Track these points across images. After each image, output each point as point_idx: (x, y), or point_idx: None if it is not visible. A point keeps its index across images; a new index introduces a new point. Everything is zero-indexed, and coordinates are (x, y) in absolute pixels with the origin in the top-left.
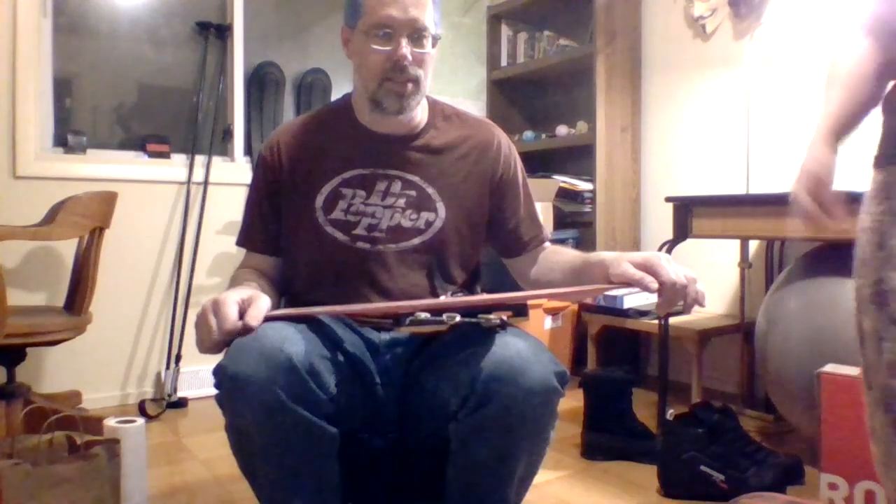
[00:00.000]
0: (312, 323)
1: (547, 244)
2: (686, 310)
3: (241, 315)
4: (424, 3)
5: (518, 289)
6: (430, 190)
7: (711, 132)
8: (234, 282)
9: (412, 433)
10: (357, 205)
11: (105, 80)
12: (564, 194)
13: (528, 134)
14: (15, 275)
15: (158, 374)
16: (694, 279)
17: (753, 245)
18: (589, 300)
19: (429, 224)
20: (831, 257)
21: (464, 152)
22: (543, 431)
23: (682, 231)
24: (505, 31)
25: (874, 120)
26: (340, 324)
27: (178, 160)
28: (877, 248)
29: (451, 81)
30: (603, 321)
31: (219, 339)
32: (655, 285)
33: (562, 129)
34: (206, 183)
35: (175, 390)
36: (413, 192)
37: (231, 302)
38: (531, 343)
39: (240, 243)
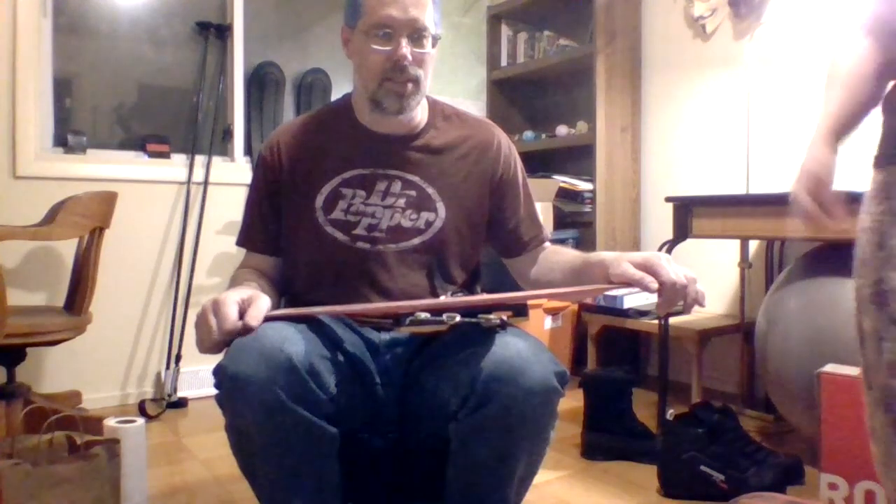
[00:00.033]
0: (312, 323)
1: (547, 244)
2: (686, 310)
3: (241, 315)
4: (424, 3)
5: (518, 289)
6: (430, 190)
7: (711, 132)
8: (234, 282)
9: (412, 433)
10: (357, 205)
11: (105, 80)
12: (564, 194)
13: (528, 134)
14: (15, 275)
15: (158, 374)
16: (694, 279)
17: (753, 245)
18: (589, 300)
19: (429, 224)
20: (831, 257)
21: (464, 152)
22: (543, 431)
23: (682, 231)
24: (505, 31)
25: (874, 120)
26: (340, 324)
27: (178, 160)
28: (877, 248)
29: (451, 81)
30: (603, 321)
31: (219, 339)
32: (655, 285)
33: (562, 129)
34: (206, 183)
35: (175, 390)
36: (413, 192)
37: (231, 302)
38: (531, 343)
39: (240, 243)
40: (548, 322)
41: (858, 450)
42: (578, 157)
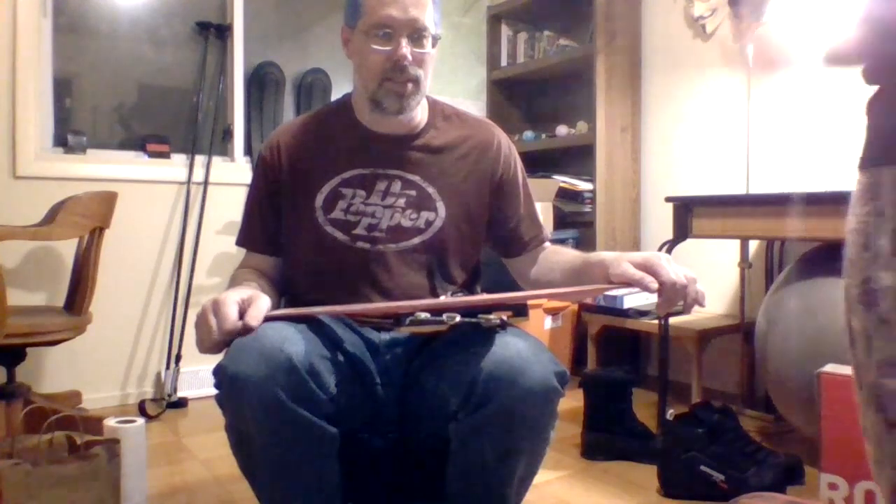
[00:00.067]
0: (312, 323)
1: (547, 244)
2: (686, 310)
3: (241, 315)
4: (424, 3)
5: (518, 289)
6: (430, 189)
7: (711, 132)
8: (234, 282)
9: (412, 433)
10: (357, 204)
11: (105, 80)
12: (564, 194)
13: (528, 134)
14: (15, 275)
15: (158, 374)
16: (694, 279)
17: (753, 245)
18: (589, 300)
19: (429, 224)
20: (831, 257)
21: (464, 152)
22: (543, 431)
23: (682, 231)
24: (505, 31)
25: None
26: (340, 324)
27: (178, 160)
28: (863, 249)
29: (451, 81)
30: (603, 321)
31: (219, 339)
32: (655, 285)
33: (562, 129)
34: (206, 183)
35: (175, 390)
36: (413, 192)
37: (231, 302)
38: (531, 343)
39: (239, 243)
40: (548, 322)
41: (858, 450)
42: (578, 157)
